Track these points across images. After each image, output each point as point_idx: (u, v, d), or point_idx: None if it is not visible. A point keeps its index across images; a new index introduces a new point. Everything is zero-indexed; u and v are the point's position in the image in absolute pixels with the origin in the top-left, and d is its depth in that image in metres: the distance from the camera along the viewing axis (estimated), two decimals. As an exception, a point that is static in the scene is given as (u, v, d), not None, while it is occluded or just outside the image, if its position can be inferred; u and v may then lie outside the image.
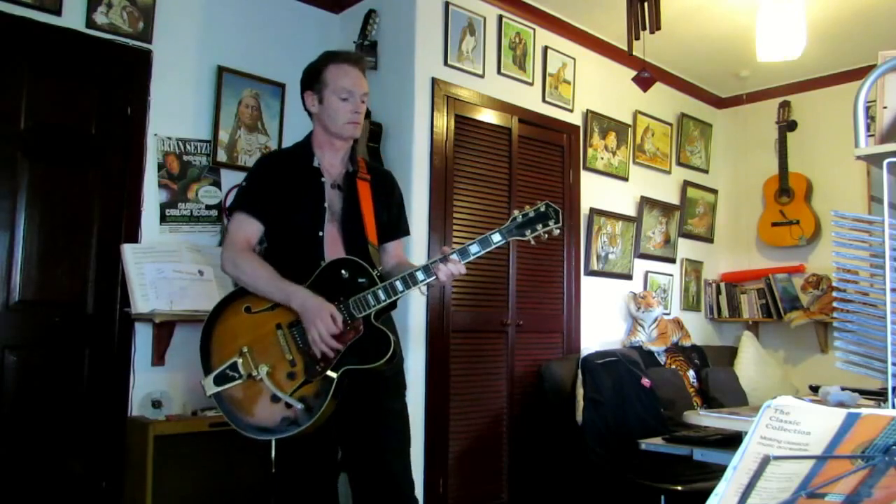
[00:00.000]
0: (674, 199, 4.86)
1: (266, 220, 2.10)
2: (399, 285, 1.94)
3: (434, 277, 1.94)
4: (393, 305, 2.02)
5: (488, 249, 1.95)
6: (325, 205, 2.09)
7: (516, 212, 1.98)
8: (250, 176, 2.20)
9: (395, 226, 2.25)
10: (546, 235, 1.96)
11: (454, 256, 1.93)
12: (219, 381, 1.95)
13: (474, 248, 1.95)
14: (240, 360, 1.94)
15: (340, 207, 2.12)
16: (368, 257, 2.07)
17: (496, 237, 1.95)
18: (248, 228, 2.09)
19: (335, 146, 2.16)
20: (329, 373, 1.90)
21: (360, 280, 1.97)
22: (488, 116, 3.68)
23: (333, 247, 2.07)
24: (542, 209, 1.97)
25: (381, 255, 2.20)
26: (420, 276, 1.95)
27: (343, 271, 1.98)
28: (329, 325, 1.89)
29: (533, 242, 1.97)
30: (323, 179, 2.12)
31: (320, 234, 2.06)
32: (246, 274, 2.01)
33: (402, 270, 2.03)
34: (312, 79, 2.14)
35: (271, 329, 1.97)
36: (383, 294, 1.94)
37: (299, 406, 1.89)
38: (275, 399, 1.91)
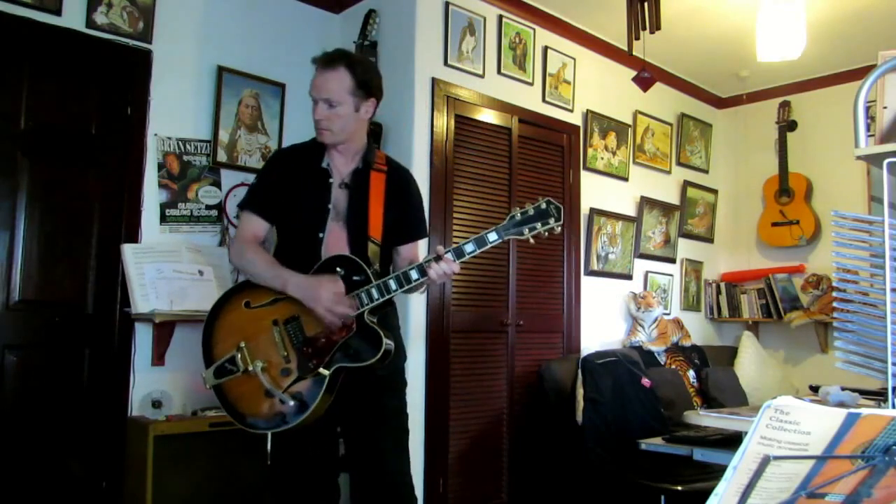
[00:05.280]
0: (674, 199, 4.85)
1: (271, 218, 2.13)
2: (392, 284, 1.93)
3: (427, 277, 1.91)
4: (389, 303, 2.02)
5: (484, 248, 1.92)
6: (330, 206, 2.08)
7: (515, 209, 1.94)
8: (260, 173, 2.25)
9: (409, 227, 2.22)
10: (546, 234, 1.91)
11: (448, 256, 1.91)
12: (218, 373, 2.00)
13: (469, 248, 1.91)
14: (238, 355, 1.98)
15: (346, 206, 2.10)
16: (367, 255, 2.06)
17: (492, 236, 1.91)
18: (254, 226, 2.12)
19: (338, 147, 2.13)
20: (321, 370, 1.93)
21: (354, 278, 1.96)
22: (488, 116, 3.68)
23: (336, 247, 2.06)
24: (543, 206, 1.91)
25: (394, 258, 2.18)
26: (414, 275, 1.93)
27: (338, 268, 1.98)
28: (329, 291, 1.92)
29: (532, 241, 1.93)
30: (331, 180, 2.11)
31: (320, 235, 2.06)
32: (248, 262, 2.06)
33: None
34: None
35: (268, 325, 2.00)
36: (376, 292, 1.93)
37: (291, 403, 1.92)
38: (268, 394, 1.94)
